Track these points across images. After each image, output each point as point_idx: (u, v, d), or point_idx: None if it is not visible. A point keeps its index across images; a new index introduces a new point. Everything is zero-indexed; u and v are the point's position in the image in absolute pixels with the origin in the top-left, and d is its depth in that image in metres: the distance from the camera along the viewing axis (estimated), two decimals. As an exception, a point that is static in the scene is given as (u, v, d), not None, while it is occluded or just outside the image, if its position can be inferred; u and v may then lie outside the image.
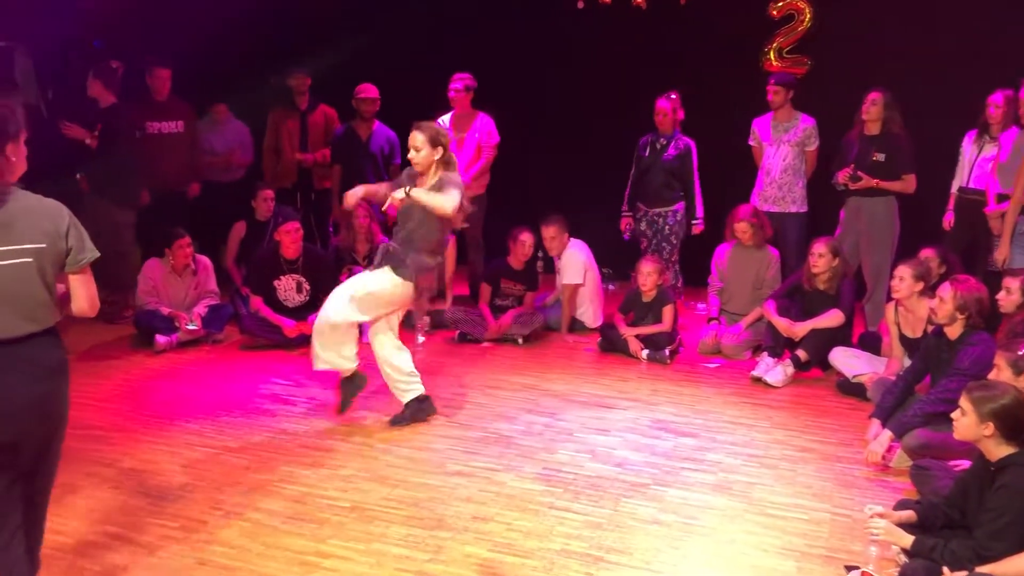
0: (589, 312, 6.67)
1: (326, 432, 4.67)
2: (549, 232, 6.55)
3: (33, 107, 8.44)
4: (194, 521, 3.65)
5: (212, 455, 4.34)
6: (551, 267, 6.97)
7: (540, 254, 7.22)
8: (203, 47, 8.17)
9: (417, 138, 4.57)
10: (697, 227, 6.75)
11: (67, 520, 3.65)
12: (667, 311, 6.15)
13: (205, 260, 6.51)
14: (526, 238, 6.50)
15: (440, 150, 4.58)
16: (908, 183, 6.06)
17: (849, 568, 3.29)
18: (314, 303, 6.28)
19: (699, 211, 6.71)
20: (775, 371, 5.54)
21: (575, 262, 6.49)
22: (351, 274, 6.48)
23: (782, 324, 5.72)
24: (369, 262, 6.61)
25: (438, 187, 4.52)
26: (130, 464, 4.22)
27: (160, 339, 5.99)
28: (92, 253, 2.71)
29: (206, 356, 6.03)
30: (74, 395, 5.11)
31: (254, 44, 8.15)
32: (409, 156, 4.61)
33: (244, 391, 5.29)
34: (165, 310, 6.16)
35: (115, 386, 5.36)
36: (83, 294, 2.72)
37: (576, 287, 6.52)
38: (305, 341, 6.13)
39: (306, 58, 7.56)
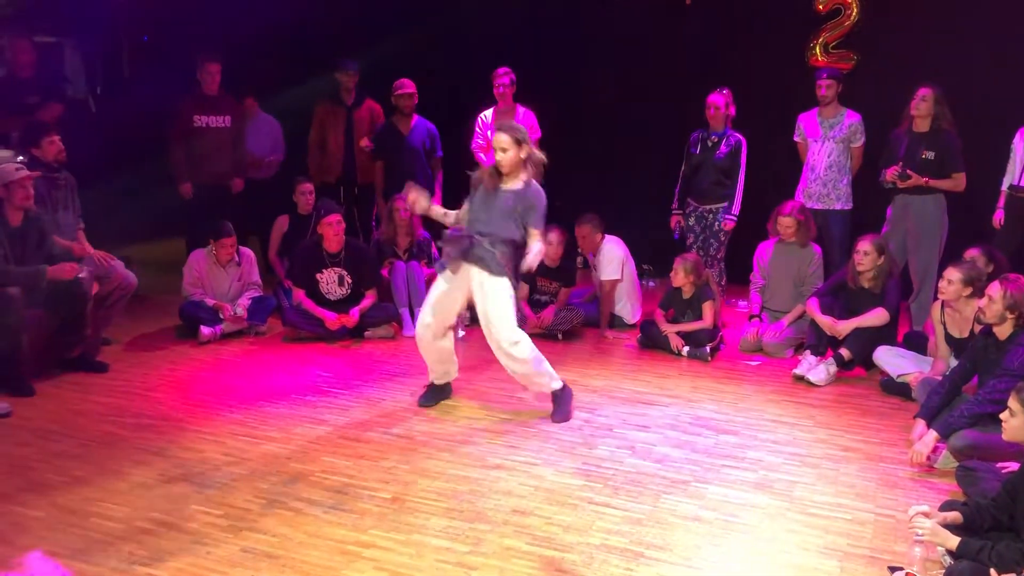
0: (628, 308, 6.65)
1: (367, 424, 4.71)
2: (582, 231, 6.54)
3: (81, 102, 8.62)
4: (238, 509, 3.70)
5: (255, 445, 4.40)
6: (588, 264, 6.95)
7: (579, 252, 7.22)
8: (250, 41, 8.29)
9: (503, 139, 4.59)
10: (729, 223, 6.66)
11: (116, 506, 3.72)
12: (708, 307, 6.10)
13: (248, 252, 6.59)
14: (554, 237, 6.48)
15: (525, 148, 4.62)
16: (958, 182, 5.95)
17: (893, 569, 3.24)
18: (355, 296, 6.35)
19: (736, 207, 6.63)
20: (818, 369, 5.48)
21: (612, 258, 6.47)
22: (392, 268, 6.55)
23: (825, 322, 5.65)
24: (410, 256, 6.68)
25: (530, 198, 4.62)
26: (175, 452, 4.29)
27: (204, 330, 6.08)
28: None
29: (249, 347, 6.11)
30: (121, 384, 5.27)
31: (301, 38, 8.24)
32: (496, 158, 4.62)
33: (287, 382, 5.35)
34: (210, 301, 6.25)
35: (160, 376, 5.44)
36: None
37: (614, 283, 6.50)
38: (347, 334, 6.23)
39: (351, 53, 7.61)
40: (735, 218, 6.64)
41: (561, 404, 4.84)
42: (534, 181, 4.70)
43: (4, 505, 3.71)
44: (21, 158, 6.14)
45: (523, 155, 4.62)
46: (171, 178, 6.96)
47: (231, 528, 3.54)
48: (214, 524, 3.58)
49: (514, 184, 4.67)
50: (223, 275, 6.42)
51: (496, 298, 4.67)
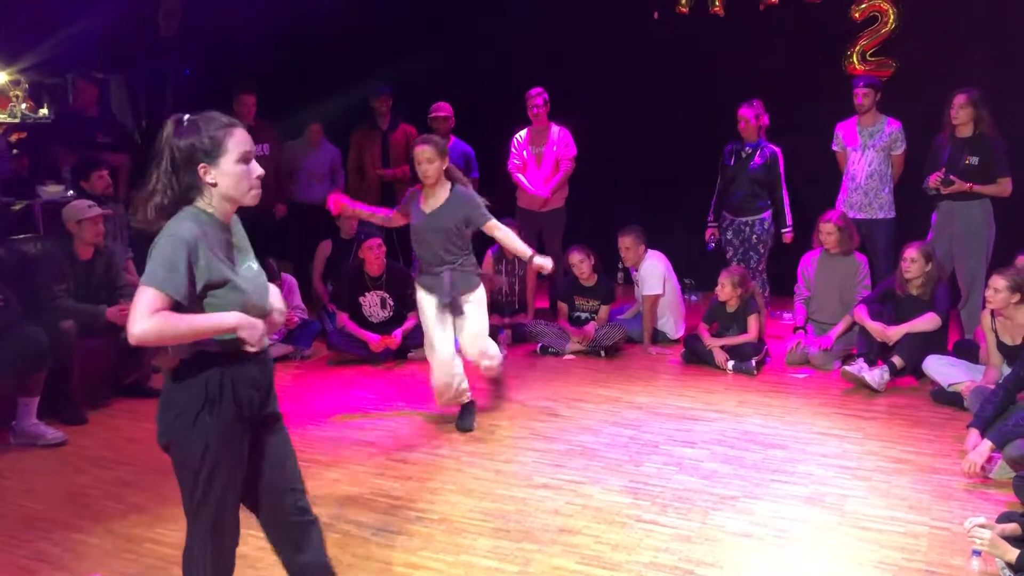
0: (671, 323, 6.62)
1: (413, 445, 4.73)
2: (625, 242, 6.53)
3: (128, 136, 8.82)
4: (288, 533, 3.73)
5: (303, 468, 4.34)
6: (630, 279, 6.94)
7: (620, 266, 7.22)
8: (286, 70, 8.44)
9: (427, 151, 4.65)
10: (787, 235, 6.63)
11: (170, 532, 3.77)
12: (753, 321, 6.06)
13: (289, 278, 6.67)
14: (575, 259, 6.51)
15: (446, 160, 4.73)
16: (1004, 187, 5.86)
17: (950, 583, 3.18)
18: (398, 318, 6.40)
19: (788, 219, 6.61)
20: (873, 372, 5.40)
21: (654, 273, 6.45)
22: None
23: (875, 328, 5.58)
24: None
25: (464, 206, 4.68)
26: (226, 477, 4.34)
27: (251, 356, 6.15)
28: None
29: (295, 371, 6.18)
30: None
31: (334, 66, 8.37)
32: (422, 171, 4.67)
33: (333, 405, 5.40)
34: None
35: (210, 402, 5.52)
36: None
37: (656, 298, 6.48)
38: (391, 356, 6.27)
39: (384, 77, 7.71)
40: (791, 229, 6.60)
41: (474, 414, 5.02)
42: (455, 185, 4.75)
43: (63, 532, 3.79)
44: (71, 192, 6.32)
45: (444, 166, 4.69)
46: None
47: (282, 552, 3.57)
48: (265, 548, 3.58)
49: (438, 199, 4.72)
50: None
51: (480, 310, 4.82)
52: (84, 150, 6.45)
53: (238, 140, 2.44)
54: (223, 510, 2.61)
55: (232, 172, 2.43)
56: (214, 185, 2.42)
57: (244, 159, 2.45)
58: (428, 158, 4.64)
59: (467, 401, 5.00)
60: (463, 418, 4.99)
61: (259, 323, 2.47)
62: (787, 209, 6.59)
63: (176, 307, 2.32)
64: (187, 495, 2.61)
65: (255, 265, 2.59)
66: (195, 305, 2.37)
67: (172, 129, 2.42)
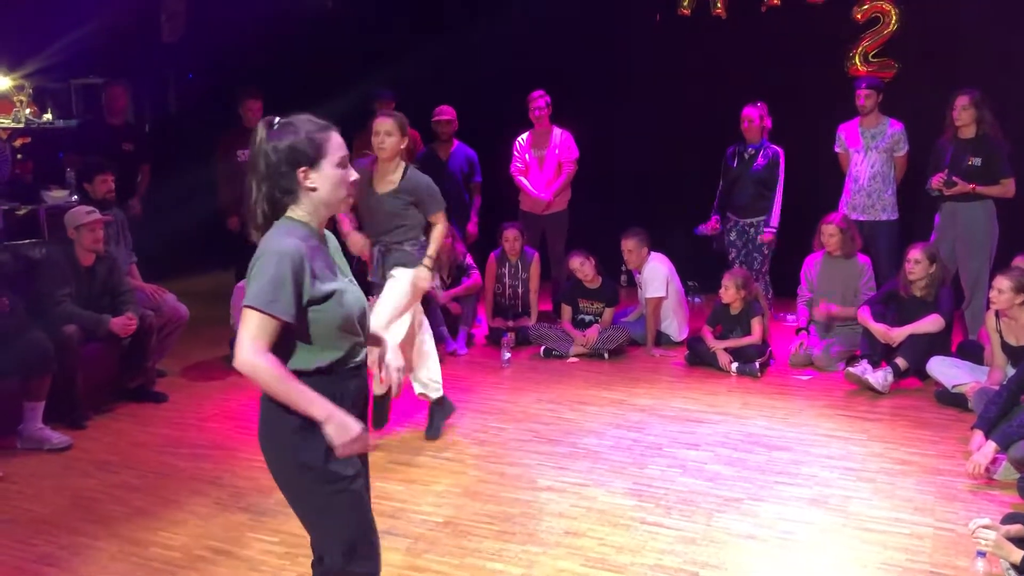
0: (674, 325, 6.62)
1: (418, 449, 4.74)
2: (628, 245, 6.53)
3: (150, 145, 8.88)
4: (293, 536, 3.73)
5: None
6: (633, 281, 6.95)
7: (623, 268, 7.21)
8: (289, 74, 8.46)
9: (387, 123, 4.59)
10: (767, 234, 6.62)
11: (175, 535, 3.79)
12: (756, 323, 6.06)
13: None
14: (575, 264, 6.51)
15: (406, 139, 4.67)
16: (1007, 187, 5.86)
17: (955, 584, 3.18)
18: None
19: (774, 220, 6.60)
20: (876, 374, 5.40)
21: (657, 275, 6.46)
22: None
23: (879, 329, 5.58)
24: (453, 279, 6.73)
25: (417, 190, 4.63)
26: (231, 481, 4.36)
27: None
28: None
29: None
30: (175, 415, 5.37)
31: (337, 70, 8.39)
32: (378, 143, 4.61)
33: (337, 409, 5.40)
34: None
35: (214, 405, 5.53)
36: None
37: (659, 300, 6.48)
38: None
39: (387, 80, 7.72)
40: (774, 230, 6.60)
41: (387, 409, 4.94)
42: (410, 166, 4.71)
43: (70, 537, 3.80)
44: (75, 196, 6.34)
45: (403, 145, 4.65)
46: (218, 212, 7.11)
47: (287, 555, 3.58)
48: (270, 551, 3.63)
49: (391, 179, 4.66)
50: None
51: (397, 288, 4.67)
52: (112, 159, 6.45)
53: (337, 143, 2.34)
54: None
55: (332, 176, 2.31)
56: (313, 190, 2.30)
57: (343, 163, 2.34)
58: (387, 130, 4.58)
59: (435, 397, 4.95)
60: (430, 425, 4.94)
61: (354, 427, 2.28)
62: (776, 209, 6.57)
63: (284, 327, 2.23)
64: None
65: (353, 282, 2.45)
66: (300, 322, 2.26)
67: (265, 133, 2.29)
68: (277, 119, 2.32)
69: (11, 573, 3.52)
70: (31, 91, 7.78)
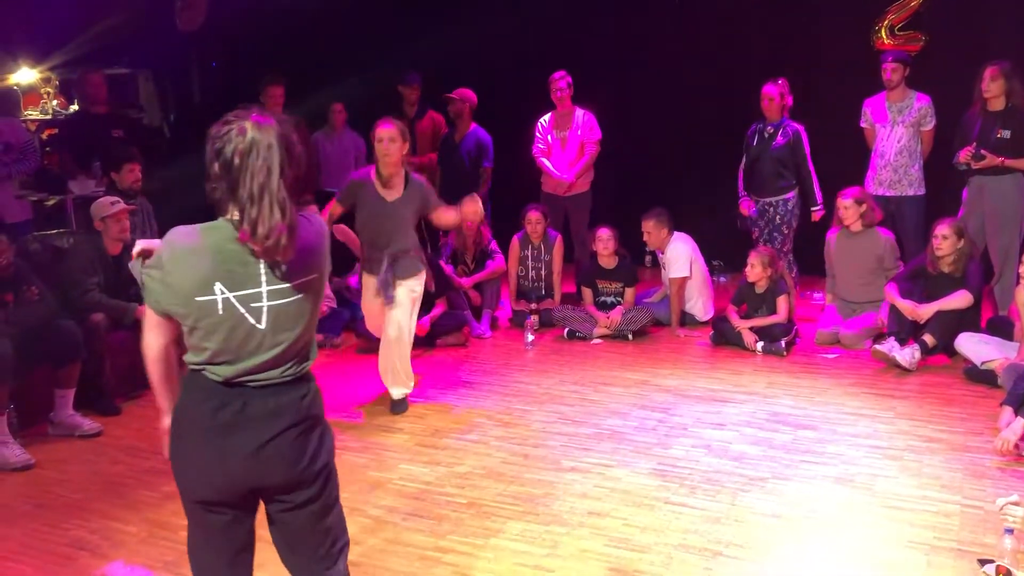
0: (699, 305, 6.58)
1: (442, 431, 4.76)
2: (647, 226, 6.49)
3: (156, 129, 8.93)
4: (319, 518, 3.78)
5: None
6: (658, 263, 6.91)
7: (647, 249, 7.19)
8: (312, 60, 8.48)
9: (390, 130, 4.63)
10: (817, 213, 6.55)
11: (202, 518, 3.84)
12: (782, 301, 6.01)
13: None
14: (602, 233, 6.47)
15: (407, 145, 4.71)
16: (1037, 160, 5.76)
17: (983, 561, 3.16)
18: (426, 305, 6.39)
19: (818, 197, 6.50)
20: (904, 352, 5.35)
21: (680, 255, 6.42)
22: (463, 274, 6.64)
23: (906, 306, 5.52)
24: (477, 264, 6.73)
25: (421, 192, 4.74)
26: (258, 465, 4.40)
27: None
28: None
29: (324, 360, 6.20)
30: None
31: (359, 53, 8.39)
32: (384, 150, 4.63)
33: (361, 392, 5.44)
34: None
35: (242, 391, 5.59)
36: None
37: (683, 280, 6.44)
38: (419, 342, 6.28)
39: (409, 63, 7.72)
40: (822, 207, 6.51)
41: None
42: (410, 173, 4.76)
43: (101, 521, 3.87)
44: (101, 188, 6.41)
45: (405, 151, 4.68)
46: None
47: (313, 537, 3.62)
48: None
49: (398, 186, 4.72)
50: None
51: (410, 298, 4.86)
52: (106, 148, 6.49)
53: None
54: None
55: None
56: None
57: None
58: (391, 137, 4.61)
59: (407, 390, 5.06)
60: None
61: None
62: (816, 187, 6.49)
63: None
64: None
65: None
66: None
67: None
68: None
69: (44, 557, 3.59)
70: (58, 83, 7.87)
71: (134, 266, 2.40)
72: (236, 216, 2.11)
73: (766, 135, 6.55)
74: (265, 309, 2.16)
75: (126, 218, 5.33)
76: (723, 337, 6.10)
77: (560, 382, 5.46)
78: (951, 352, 5.42)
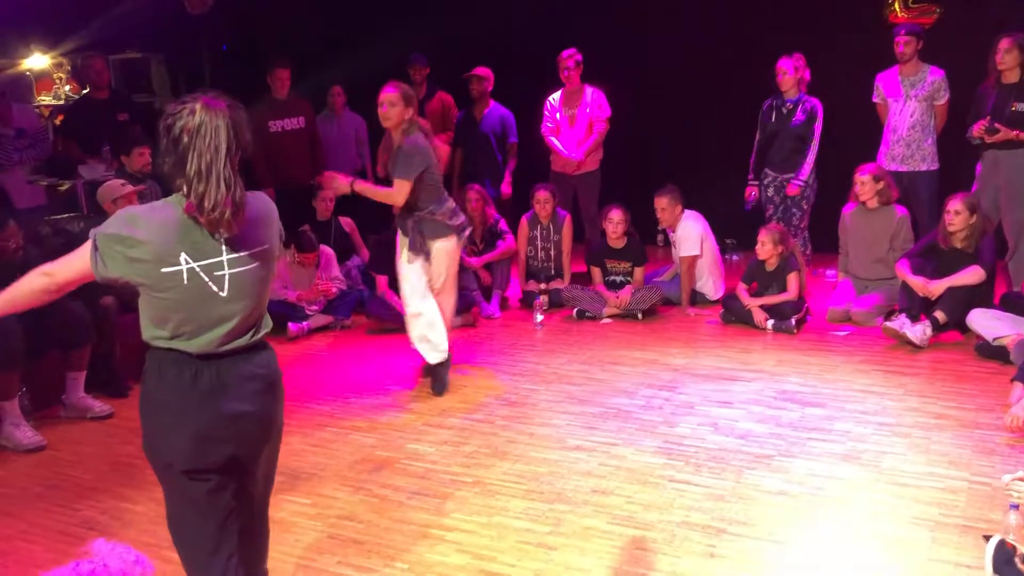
0: (709, 284, 6.55)
1: (448, 411, 4.77)
2: (661, 203, 6.46)
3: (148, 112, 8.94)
4: (325, 497, 3.81)
5: (342, 435, 4.52)
6: (670, 241, 6.88)
7: (660, 228, 7.15)
8: (322, 42, 8.46)
9: (390, 94, 4.62)
10: (793, 188, 6.48)
11: (210, 498, 3.87)
12: (792, 279, 5.97)
13: (327, 250, 6.72)
14: (614, 215, 6.45)
15: (412, 110, 4.68)
16: (1052, 133, 5.67)
17: (988, 537, 3.13)
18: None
19: (804, 173, 6.43)
20: (915, 328, 5.30)
21: (691, 233, 6.38)
22: (472, 254, 6.64)
23: (917, 282, 5.46)
24: (485, 243, 6.72)
25: (396, 153, 4.69)
26: (266, 445, 4.43)
27: (292, 326, 6.25)
28: None
29: (335, 341, 6.26)
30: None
31: (368, 34, 8.37)
32: (381, 113, 4.65)
33: (371, 373, 5.46)
34: (291, 296, 6.41)
35: (252, 373, 5.62)
36: None
37: (694, 259, 6.41)
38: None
39: (418, 43, 7.69)
40: (801, 183, 6.44)
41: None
42: (415, 137, 4.69)
43: (110, 501, 3.91)
44: (111, 171, 6.44)
45: (408, 116, 4.65)
46: (254, 183, 7.17)
47: (319, 516, 3.65)
48: (302, 513, 3.70)
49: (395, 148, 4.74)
50: (303, 272, 6.58)
51: (441, 259, 4.89)
52: (114, 132, 6.51)
53: None
54: None
55: None
56: None
57: None
58: (390, 101, 4.63)
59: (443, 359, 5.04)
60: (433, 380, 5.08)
61: None
62: (809, 163, 6.40)
63: None
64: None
65: None
66: None
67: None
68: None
69: (57, 537, 3.63)
70: (70, 68, 7.89)
71: None
72: (186, 190, 2.21)
73: (784, 111, 6.47)
74: (227, 277, 2.28)
75: (135, 199, 5.35)
76: (733, 315, 6.07)
77: (568, 362, 5.45)
78: (963, 328, 5.36)
